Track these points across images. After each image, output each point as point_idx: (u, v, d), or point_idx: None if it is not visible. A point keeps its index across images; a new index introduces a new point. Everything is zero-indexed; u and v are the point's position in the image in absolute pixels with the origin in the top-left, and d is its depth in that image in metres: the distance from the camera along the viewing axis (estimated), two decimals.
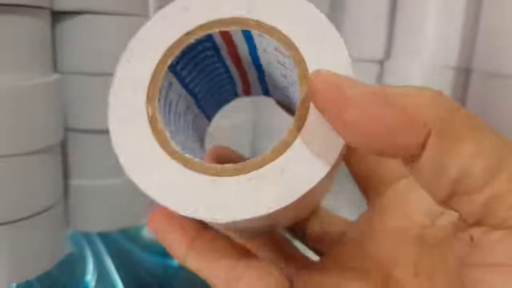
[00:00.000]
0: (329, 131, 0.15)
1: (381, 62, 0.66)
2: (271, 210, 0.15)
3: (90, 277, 0.48)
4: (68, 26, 0.42)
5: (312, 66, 0.16)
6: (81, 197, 0.47)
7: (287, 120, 0.23)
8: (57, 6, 0.40)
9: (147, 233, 0.54)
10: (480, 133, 0.13)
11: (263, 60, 0.19)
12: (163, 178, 0.16)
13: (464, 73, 0.59)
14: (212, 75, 0.21)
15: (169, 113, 0.18)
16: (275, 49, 0.17)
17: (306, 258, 0.23)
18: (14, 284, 0.39)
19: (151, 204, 0.16)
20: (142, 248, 0.52)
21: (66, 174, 0.45)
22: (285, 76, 0.19)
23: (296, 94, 0.17)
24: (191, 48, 0.17)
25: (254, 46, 0.18)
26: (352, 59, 0.16)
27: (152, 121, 0.16)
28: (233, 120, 0.54)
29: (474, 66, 0.56)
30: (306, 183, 0.15)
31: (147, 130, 0.16)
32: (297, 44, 0.16)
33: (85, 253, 0.50)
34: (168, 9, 0.17)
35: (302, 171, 0.15)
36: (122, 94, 0.17)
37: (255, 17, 0.16)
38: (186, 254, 0.17)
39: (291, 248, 0.24)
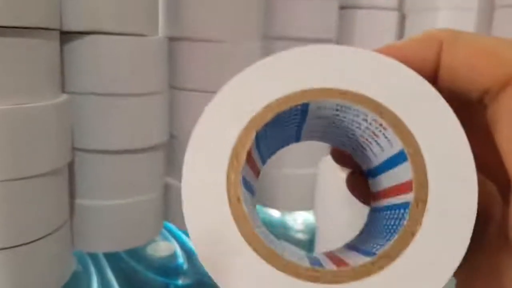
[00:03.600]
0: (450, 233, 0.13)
1: None
2: None
3: None
4: (77, 46, 0.41)
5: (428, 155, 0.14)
6: (86, 217, 0.46)
7: None
8: (65, 27, 0.40)
9: (151, 252, 0.53)
10: None
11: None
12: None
13: None
14: (286, 126, 0.18)
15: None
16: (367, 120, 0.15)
17: None
18: None
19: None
20: (147, 267, 0.52)
21: (71, 194, 0.45)
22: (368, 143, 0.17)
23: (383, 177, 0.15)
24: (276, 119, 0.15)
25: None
26: None
27: (240, 223, 0.14)
28: None
29: None
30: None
31: (234, 230, 0.14)
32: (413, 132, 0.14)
33: (89, 272, 0.49)
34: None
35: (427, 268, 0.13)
36: (196, 186, 0.14)
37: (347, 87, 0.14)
38: None
39: None
